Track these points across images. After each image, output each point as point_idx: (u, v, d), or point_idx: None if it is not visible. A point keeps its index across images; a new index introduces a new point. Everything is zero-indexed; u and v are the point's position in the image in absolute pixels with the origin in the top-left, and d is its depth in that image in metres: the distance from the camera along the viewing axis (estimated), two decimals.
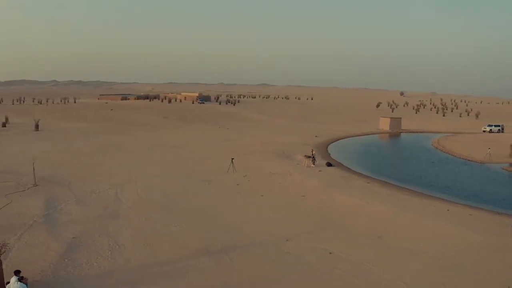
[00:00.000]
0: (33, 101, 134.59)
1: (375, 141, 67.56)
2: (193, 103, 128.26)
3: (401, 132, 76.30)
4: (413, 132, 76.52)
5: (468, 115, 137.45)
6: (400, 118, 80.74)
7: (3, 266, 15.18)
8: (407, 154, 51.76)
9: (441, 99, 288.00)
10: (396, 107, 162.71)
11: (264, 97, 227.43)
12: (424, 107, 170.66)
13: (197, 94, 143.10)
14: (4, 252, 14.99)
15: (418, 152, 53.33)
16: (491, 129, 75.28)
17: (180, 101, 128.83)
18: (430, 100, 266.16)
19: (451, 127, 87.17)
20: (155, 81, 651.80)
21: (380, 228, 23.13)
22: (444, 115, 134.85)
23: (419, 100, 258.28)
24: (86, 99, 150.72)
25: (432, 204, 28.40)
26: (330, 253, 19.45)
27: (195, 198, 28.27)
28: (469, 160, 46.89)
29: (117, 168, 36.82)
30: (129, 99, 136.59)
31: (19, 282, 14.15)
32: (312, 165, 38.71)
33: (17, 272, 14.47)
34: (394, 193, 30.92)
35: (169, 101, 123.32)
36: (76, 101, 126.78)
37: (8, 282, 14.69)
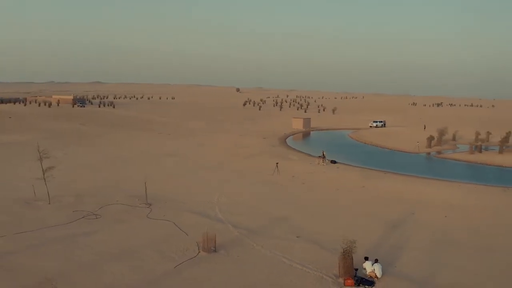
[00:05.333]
0: None
1: (313, 138, 78.74)
2: (73, 106, 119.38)
3: (312, 130, 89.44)
4: (321, 130, 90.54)
5: (324, 110, 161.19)
6: (310, 118, 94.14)
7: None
8: (356, 149, 64.00)
9: (287, 95, 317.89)
10: (259, 105, 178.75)
11: (128, 98, 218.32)
12: (282, 104, 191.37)
13: (71, 97, 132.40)
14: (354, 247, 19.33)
15: (360, 147, 66.37)
16: (376, 125, 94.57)
17: (58, 104, 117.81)
18: (278, 96, 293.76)
19: (338, 123, 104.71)
20: None
21: (444, 200, 33.60)
22: (305, 111, 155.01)
23: (267, 97, 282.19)
24: None
25: (445, 184, 40.11)
26: (445, 216, 29.45)
27: (301, 198, 33.72)
28: (404, 151, 61.55)
29: (177, 181, 38.15)
30: None
31: (376, 264, 19.26)
32: (323, 163, 46.70)
33: (366, 258, 19.54)
34: (413, 179, 41.96)
35: (49, 105, 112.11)
36: None
37: (356, 269, 19.35)
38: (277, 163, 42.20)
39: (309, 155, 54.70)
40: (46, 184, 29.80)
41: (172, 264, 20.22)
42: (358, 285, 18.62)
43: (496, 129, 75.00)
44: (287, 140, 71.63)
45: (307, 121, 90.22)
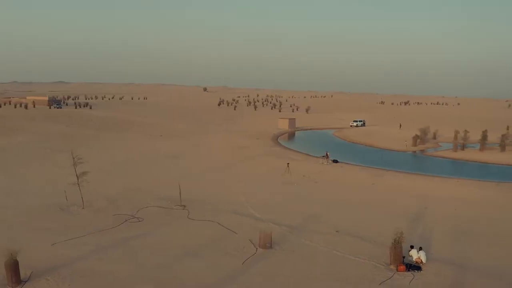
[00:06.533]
0: None
1: (304, 138, 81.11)
2: (50, 107, 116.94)
3: (297, 130, 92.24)
4: (305, 130, 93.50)
5: (297, 110, 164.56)
6: (295, 118, 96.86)
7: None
8: (348, 148, 67.16)
9: (258, 95, 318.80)
10: (233, 105, 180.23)
11: (100, 98, 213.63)
12: (255, 104, 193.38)
13: (46, 98, 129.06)
14: (402, 237, 21.75)
15: (351, 147, 69.65)
16: (357, 124, 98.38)
17: (33, 106, 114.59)
18: (248, 96, 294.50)
19: (318, 123, 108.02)
20: None
21: (449, 194, 37.16)
22: (280, 111, 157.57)
23: (238, 96, 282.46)
24: None
25: (444, 180, 43.72)
26: (455, 209, 32.87)
27: (321, 196, 36.09)
28: (393, 150, 65.19)
29: (194, 182, 39.32)
30: None
31: (420, 251, 21.97)
32: (326, 163, 49.33)
33: (412, 246, 22.24)
34: (413, 176, 45.34)
35: (25, 107, 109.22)
36: None
37: (403, 257, 21.84)
38: (288, 163, 44.36)
39: (309, 155, 57.21)
40: (80, 189, 30.27)
41: (237, 261, 21.32)
42: (408, 270, 21.14)
43: (468, 127, 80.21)
44: (279, 140, 73.97)
45: (292, 122, 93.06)
